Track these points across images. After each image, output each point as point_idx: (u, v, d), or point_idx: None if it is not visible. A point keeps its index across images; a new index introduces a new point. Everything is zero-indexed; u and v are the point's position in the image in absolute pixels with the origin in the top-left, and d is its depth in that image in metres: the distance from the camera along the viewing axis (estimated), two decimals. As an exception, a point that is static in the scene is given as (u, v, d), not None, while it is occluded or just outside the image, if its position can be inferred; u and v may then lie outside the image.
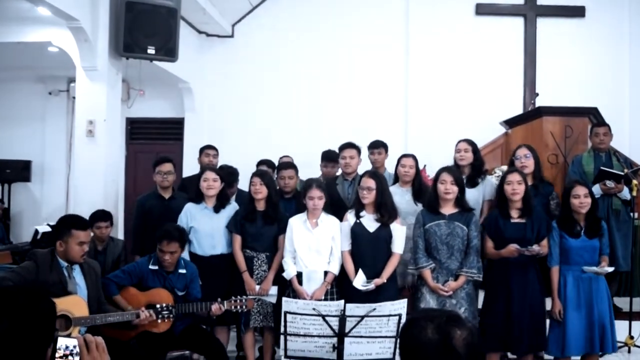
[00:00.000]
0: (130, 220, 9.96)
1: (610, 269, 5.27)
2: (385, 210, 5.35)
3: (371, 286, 5.17)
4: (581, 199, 5.23)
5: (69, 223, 4.65)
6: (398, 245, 5.35)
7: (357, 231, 5.37)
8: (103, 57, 6.97)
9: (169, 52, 7.29)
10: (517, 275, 5.19)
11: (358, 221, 5.39)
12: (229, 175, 6.42)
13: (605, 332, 5.20)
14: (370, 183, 5.35)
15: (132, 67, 7.62)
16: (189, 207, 5.87)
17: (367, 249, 5.34)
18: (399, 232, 5.35)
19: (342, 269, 5.49)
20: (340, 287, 5.51)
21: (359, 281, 5.22)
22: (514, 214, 5.28)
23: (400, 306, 4.28)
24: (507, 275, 5.20)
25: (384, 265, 5.31)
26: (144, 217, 6.32)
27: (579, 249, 5.23)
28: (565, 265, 5.29)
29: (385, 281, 5.25)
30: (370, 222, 5.37)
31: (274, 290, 5.58)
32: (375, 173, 5.66)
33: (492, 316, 5.22)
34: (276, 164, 7.07)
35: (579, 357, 5.43)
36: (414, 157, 6.10)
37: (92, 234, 4.80)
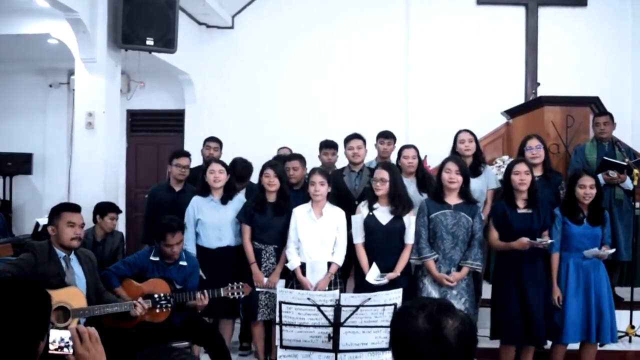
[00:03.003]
0: (131, 212, 10.05)
1: (611, 251, 5.25)
2: (400, 201, 5.32)
3: (384, 281, 5.15)
4: (587, 190, 5.21)
5: (58, 207, 4.69)
6: (412, 236, 5.31)
7: (370, 224, 5.33)
8: (102, 49, 6.96)
9: (167, 43, 7.28)
10: (528, 267, 5.19)
11: (371, 214, 5.34)
12: (243, 169, 6.41)
13: (604, 321, 5.19)
14: (384, 175, 5.32)
15: (132, 59, 7.60)
16: (196, 200, 5.86)
17: (381, 242, 5.31)
18: (413, 223, 5.33)
19: (346, 260, 5.49)
20: (344, 278, 5.52)
21: (372, 275, 5.19)
22: (521, 204, 5.27)
23: (395, 295, 4.26)
24: (518, 267, 5.19)
25: (397, 257, 5.29)
26: (154, 208, 6.37)
27: (581, 235, 5.23)
28: (566, 251, 5.30)
29: (398, 274, 5.23)
30: (383, 215, 5.33)
31: (281, 283, 5.56)
32: (389, 164, 5.66)
33: (508, 311, 5.19)
34: (276, 154, 7.05)
35: (577, 346, 5.43)
36: (415, 147, 6.11)
37: (84, 224, 4.77)
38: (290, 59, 9.97)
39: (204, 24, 10.02)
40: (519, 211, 5.26)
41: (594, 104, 7.35)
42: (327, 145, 6.87)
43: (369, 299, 4.19)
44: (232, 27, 10.15)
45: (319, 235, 5.47)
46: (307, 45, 9.95)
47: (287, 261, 5.53)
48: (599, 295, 5.21)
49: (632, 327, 6.15)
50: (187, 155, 6.54)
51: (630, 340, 6.16)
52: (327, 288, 5.34)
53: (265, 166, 5.79)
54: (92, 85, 7.00)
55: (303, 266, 5.46)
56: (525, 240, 5.07)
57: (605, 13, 9.62)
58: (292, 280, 5.52)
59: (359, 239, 5.39)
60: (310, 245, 5.46)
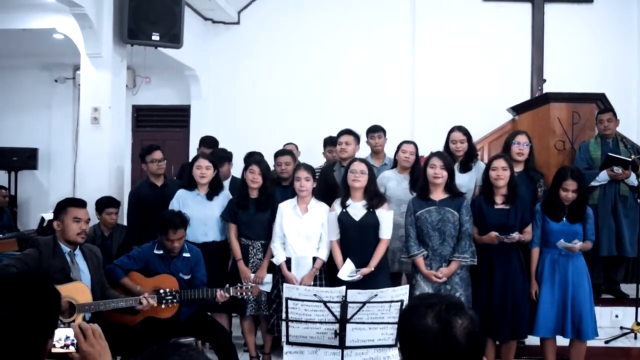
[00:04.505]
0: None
1: (578, 245, 5.13)
2: (374, 195, 5.35)
3: (357, 276, 5.14)
4: (569, 194, 5.20)
5: (64, 202, 4.67)
6: (385, 231, 5.31)
7: (344, 220, 5.34)
8: (107, 44, 6.97)
9: (173, 38, 7.28)
10: (500, 262, 5.21)
11: (344, 210, 5.36)
12: (221, 158, 6.48)
13: (584, 318, 5.16)
14: (363, 167, 5.36)
15: (138, 55, 7.61)
16: (181, 193, 5.87)
17: (355, 238, 5.31)
18: (386, 218, 5.32)
19: (331, 255, 5.49)
20: (329, 273, 5.52)
21: (346, 272, 5.18)
22: (499, 200, 5.30)
23: (402, 292, 4.26)
24: (490, 261, 5.22)
25: (372, 252, 5.29)
26: (140, 207, 6.33)
27: (559, 232, 5.21)
28: (544, 247, 5.31)
29: (373, 269, 5.22)
30: (356, 210, 5.34)
31: (268, 278, 5.58)
32: (364, 159, 5.68)
33: (474, 301, 5.20)
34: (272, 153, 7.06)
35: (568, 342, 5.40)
36: (415, 144, 6.12)
37: (90, 219, 4.77)
38: (295, 54, 9.96)
39: (209, 20, 10.02)
40: (496, 207, 5.28)
41: (600, 101, 7.32)
42: (332, 143, 6.85)
43: (376, 295, 4.19)
44: (238, 23, 10.15)
45: (304, 230, 5.48)
46: (312, 41, 9.93)
47: (273, 256, 5.54)
48: (578, 291, 5.19)
49: (638, 323, 6.13)
50: (158, 148, 6.55)
51: (635, 337, 6.15)
52: (311, 283, 5.36)
53: (250, 161, 5.81)
54: (98, 81, 7.01)
55: (288, 261, 5.48)
56: (493, 234, 5.09)
57: (612, 9, 9.58)
58: (278, 275, 5.53)
59: (333, 236, 5.40)
60: (295, 240, 5.47)
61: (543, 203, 5.40)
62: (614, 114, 6.72)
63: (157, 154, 6.43)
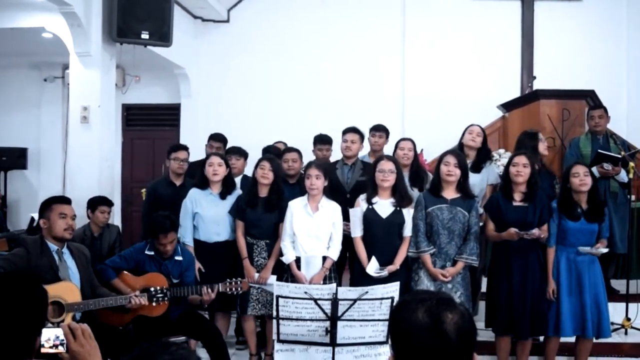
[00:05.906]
0: (126, 206, 10.02)
1: (605, 250, 5.25)
2: (404, 193, 5.35)
3: (384, 273, 5.16)
4: (581, 177, 5.21)
5: (48, 200, 4.66)
6: (410, 229, 5.32)
7: (370, 217, 5.32)
8: (96, 43, 6.95)
9: (163, 36, 7.26)
10: (518, 259, 5.19)
11: (371, 207, 5.33)
12: (240, 152, 6.52)
13: (602, 317, 5.20)
14: (391, 166, 5.33)
15: (127, 53, 7.58)
16: (194, 193, 5.81)
17: (380, 235, 5.30)
18: (411, 217, 5.33)
19: (341, 253, 5.48)
20: (338, 272, 5.49)
21: (372, 268, 5.19)
22: (517, 197, 5.27)
23: (392, 289, 4.26)
24: (509, 259, 5.21)
25: (396, 250, 5.29)
26: (155, 203, 6.29)
27: (577, 231, 5.22)
28: (560, 245, 5.30)
29: (398, 267, 5.24)
30: (383, 208, 5.32)
31: (272, 279, 5.50)
32: (392, 157, 5.67)
33: (495, 300, 5.24)
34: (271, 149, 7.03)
35: (573, 339, 5.44)
36: (412, 141, 6.11)
37: (76, 216, 4.74)
38: (286, 52, 9.94)
39: (199, 18, 9.99)
40: (514, 204, 5.26)
41: (589, 97, 7.35)
42: (322, 141, 6.81)
43: (366, 292, 4.18)
44: (227, 21, 10.12)
45: (314, 230, 5.43)
46: (302, 39, 9.92)
47: (282, 255, 5.50)
48: (595, 291, 5.22)
49: (628, 319, 6.16)
50: (185, 148, 6.52)
51: (626, 333, 6.17)
52: (321, 282, 5.32)
53: (261, 158, 5.76)
54: (87, 80, 6.98)
55: (298, 260, 5.44)
56: (513, 230, 5.08)
57: (601, 7, 9.59)
58: (287, 274, 5.49)
59: (357, 232, 5.36)
60: (305, 239, 5.42)
61: (559, 202, 5.35)
62: (605, 111, 6.75)
63: (182, 154, 6.40)
